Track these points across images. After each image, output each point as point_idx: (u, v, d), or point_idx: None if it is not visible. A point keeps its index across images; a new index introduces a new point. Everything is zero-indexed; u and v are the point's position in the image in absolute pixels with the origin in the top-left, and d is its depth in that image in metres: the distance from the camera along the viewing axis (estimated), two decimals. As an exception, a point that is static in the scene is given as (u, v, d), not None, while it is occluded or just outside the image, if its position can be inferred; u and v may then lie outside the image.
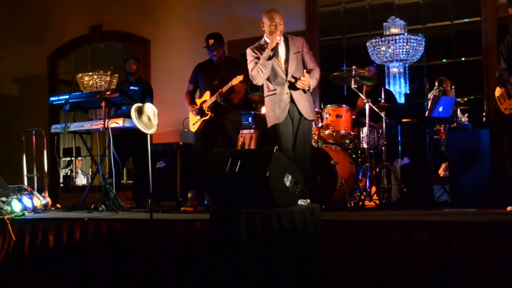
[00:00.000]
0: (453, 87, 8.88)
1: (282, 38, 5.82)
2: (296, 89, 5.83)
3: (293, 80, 5.81)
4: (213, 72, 7.05)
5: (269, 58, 5.74)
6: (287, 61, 5.89)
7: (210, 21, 9.52)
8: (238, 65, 7.10)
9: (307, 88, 5.83)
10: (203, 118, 6.90)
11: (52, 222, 6.06)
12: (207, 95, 6.96)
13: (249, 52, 5.98)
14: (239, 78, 6.57)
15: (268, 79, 5.91)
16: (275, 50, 5.78)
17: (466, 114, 8.58)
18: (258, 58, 5.83)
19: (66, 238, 5.87)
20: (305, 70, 5.89)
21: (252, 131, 7.95)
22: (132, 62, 8.17)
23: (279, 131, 5.85)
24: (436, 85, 9.10)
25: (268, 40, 5.84)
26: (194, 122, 7.04)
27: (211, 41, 7.00)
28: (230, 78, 6.72)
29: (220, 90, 6.73)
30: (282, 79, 5.86)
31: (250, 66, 5.91)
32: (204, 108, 6.91)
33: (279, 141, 5.85)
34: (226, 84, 6.71)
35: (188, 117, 7.22)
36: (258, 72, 5.78)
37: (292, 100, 5.84)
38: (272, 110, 5.89)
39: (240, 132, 7.64)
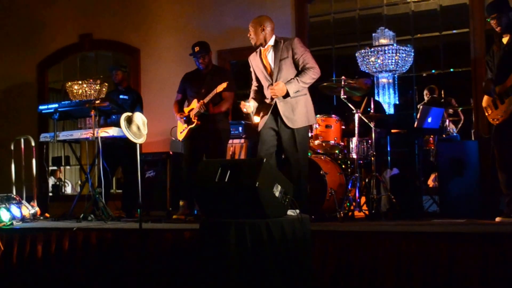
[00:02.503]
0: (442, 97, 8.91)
1: (248, 109, 5.98)
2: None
3: None
4: (200, 80, 7.08)
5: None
6: (274, 69, 5.87)
7: (200, 30, 9.53)
8: (224, 74, 7.16)
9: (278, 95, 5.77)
10: (190, 126, 6.93)
11: (41, 231, 6.03)
12: (194, 103, 6.98)
13: (249, 60, 6.16)
14: (223, 85, 6.62)
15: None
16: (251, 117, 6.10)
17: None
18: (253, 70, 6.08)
19: (55, 248, 5.84)
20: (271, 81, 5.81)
21: (242, 140, 7.96)
22: (117, 72, 8.15)
23: (259, 138, 5.95)
24: (426, 93, 9.11)
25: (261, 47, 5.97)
26: (182, 131, 7.06)
27: (196, 48, 7.05)
28: (216, 87, 6.78)
29: (202, 101, 6.76)
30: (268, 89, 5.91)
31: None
32: (191, 116, 6.93)
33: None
34: (210, 93, 6.78)
35: (176, 126, 7.23)
36: None
37: (276, 107, 5.81)
38: (260, 117, 5.96)
39: (231, 141, 7.67)
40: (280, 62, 5.84)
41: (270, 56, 5.93)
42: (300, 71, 5.84)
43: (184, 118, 6.99)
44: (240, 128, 7.93)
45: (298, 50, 5.86)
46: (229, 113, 7.16)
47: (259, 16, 6.05)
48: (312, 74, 5.80)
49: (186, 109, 7.12)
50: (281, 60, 5.85)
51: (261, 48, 5.96)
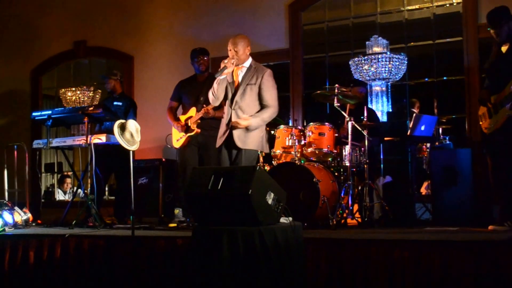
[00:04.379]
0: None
1: (233, 63, 5.83)
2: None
3: (238, 111, 5.86)
4: (198, 89, 7.11)
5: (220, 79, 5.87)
6: (237, 90, 5.90)
7: (194, 38, 9.53)
8: None
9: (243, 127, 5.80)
10: (189, 134, 6.95)
11: (33, 238, 6.00)
12: (192, 111, 7.00)
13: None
14: None
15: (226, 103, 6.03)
16: (220, 72, 5.80)
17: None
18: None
19: (47, 254, 5.82)
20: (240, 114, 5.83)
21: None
22: (108, 81, 8.15)
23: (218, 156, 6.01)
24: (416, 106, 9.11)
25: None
26: (178, 138, 7.06)
27: (198, 48, 7.21)
28: None
29: (207, 107, 6.76)
30: (229, 108, 5.93)
31: None
32: (189, 124, 6.94)
33: None
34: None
35: (171, 133, 7.22)
36: (210, 92, 5.95)
37: (231, 129, 5.83)
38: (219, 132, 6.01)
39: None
40: (247, 86, 5.88)
41: (240, 75, 5.96)
42: (262, 107, 5.91)
43: (182, 126, 7.01)
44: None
45: (268, 83, 5.91)
46: None
47: (244, 36, 6.07)
48: (273, 114, 5.94)
49: (182, 117, 7.13)
50: (248, 84, 5.89)
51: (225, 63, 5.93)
